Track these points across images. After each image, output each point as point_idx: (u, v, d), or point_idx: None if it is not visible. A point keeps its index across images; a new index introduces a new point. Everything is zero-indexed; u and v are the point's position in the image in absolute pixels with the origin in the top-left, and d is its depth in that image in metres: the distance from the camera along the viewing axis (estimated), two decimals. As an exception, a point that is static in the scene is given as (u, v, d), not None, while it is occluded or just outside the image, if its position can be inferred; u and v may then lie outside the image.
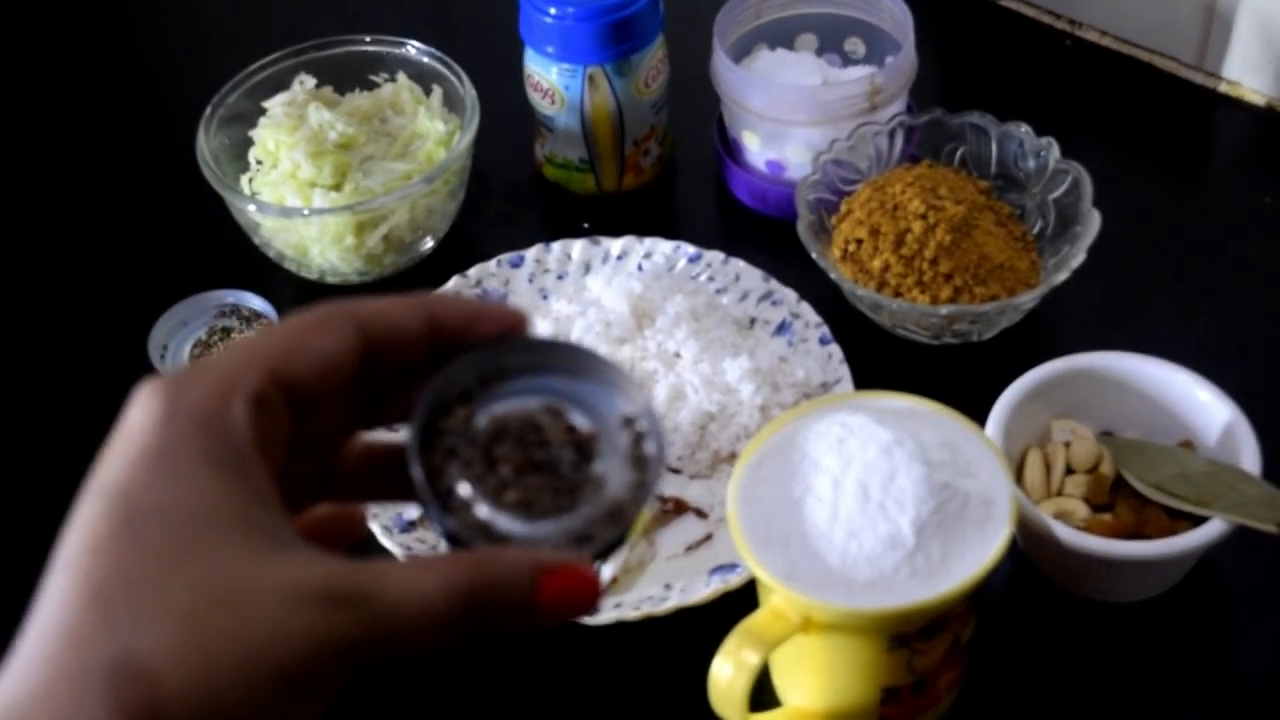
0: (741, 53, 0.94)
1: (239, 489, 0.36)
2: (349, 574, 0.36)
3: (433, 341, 0.41)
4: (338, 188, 0.88)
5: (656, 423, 0.41)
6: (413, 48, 0.95)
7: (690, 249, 0.86)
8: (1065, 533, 0.66)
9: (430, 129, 0.91)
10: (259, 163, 0.91)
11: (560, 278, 0.87)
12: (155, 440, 0.36)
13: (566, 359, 0.42)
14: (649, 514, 0.40)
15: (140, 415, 0.37)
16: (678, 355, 0.80)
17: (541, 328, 0.81)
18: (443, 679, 0.71)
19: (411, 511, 0.74)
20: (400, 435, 0.41)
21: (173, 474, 0.36)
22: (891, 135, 0.87)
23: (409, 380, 0.41)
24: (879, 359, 0.83)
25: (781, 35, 0.95)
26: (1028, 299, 0.79)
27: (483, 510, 0.39)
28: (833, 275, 0.81)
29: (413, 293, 0.41)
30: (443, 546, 0.39)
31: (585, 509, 0.39)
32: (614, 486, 0.40)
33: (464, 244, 0.93)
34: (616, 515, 0.39)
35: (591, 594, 0.38)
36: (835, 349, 0.80)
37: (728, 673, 0.59)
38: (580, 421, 0.41)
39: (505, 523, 0.39)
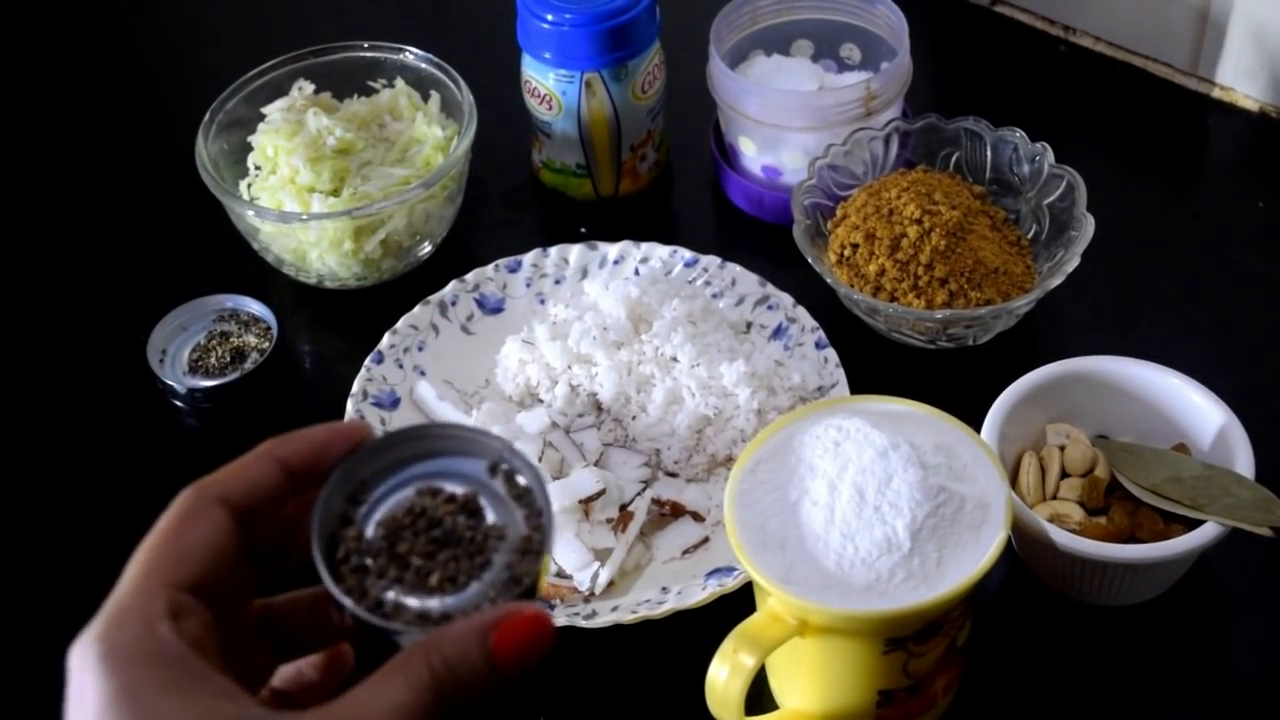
0: (738, 58, 0.94)
1: (202, 699, 0.38)
2: None
3: (293, 483, 0.43)
4: (336, 193, 0.88)
5: (518, 456, 0.44)
6: (411, 54, 0.95)
7: (687, 253, 0.86)
8: (1060, 536, 0.66)
9: (428, 134, 0.92)
10: (258, 168, 0.92)
11: (557, 282, 0.87)
12: (110, 691, 0.38)
13: (413, 446, 0.44)
14: (556, 537, 0.44)
15: (84, 676, 0.38)
16: (674, 359, 0.80)
17: (539, 331, 0.82)
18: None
19: None
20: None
21: (140, 714, 0.38)
22: (887, 140, 0.87)
23: (284, 524, 0.44)
24: (875, 363, 0.83)
25: (777, 41, 0.95)
26: (1022, 303, 0.79)
27: (414, 603, 0.41)
28: (829, 280, 0.81)
29: (256, 449, 0.43)
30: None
31: (501, 557, 0.42)
32: (515, 527, 0.43)
33: (462, 249, 0.93)
34: (529, 549, 0.42)
35: (544, 630, 0.40)
36: (831, 353, 0.80)
37: (724, 675, 0.59)
38: (455, 489, 0.44)
39: (439, 603, 0.41)
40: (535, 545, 0.42)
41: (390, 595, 0.41)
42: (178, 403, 0.85)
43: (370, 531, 0.43)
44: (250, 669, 0.43)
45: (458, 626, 0.40)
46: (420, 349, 0.84)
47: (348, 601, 0.41)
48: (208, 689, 0.38)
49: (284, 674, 0.46)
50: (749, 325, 0.84)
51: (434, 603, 0.41)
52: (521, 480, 0.44)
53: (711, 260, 0.86)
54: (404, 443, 0.45)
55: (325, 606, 0.44)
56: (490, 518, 0.43)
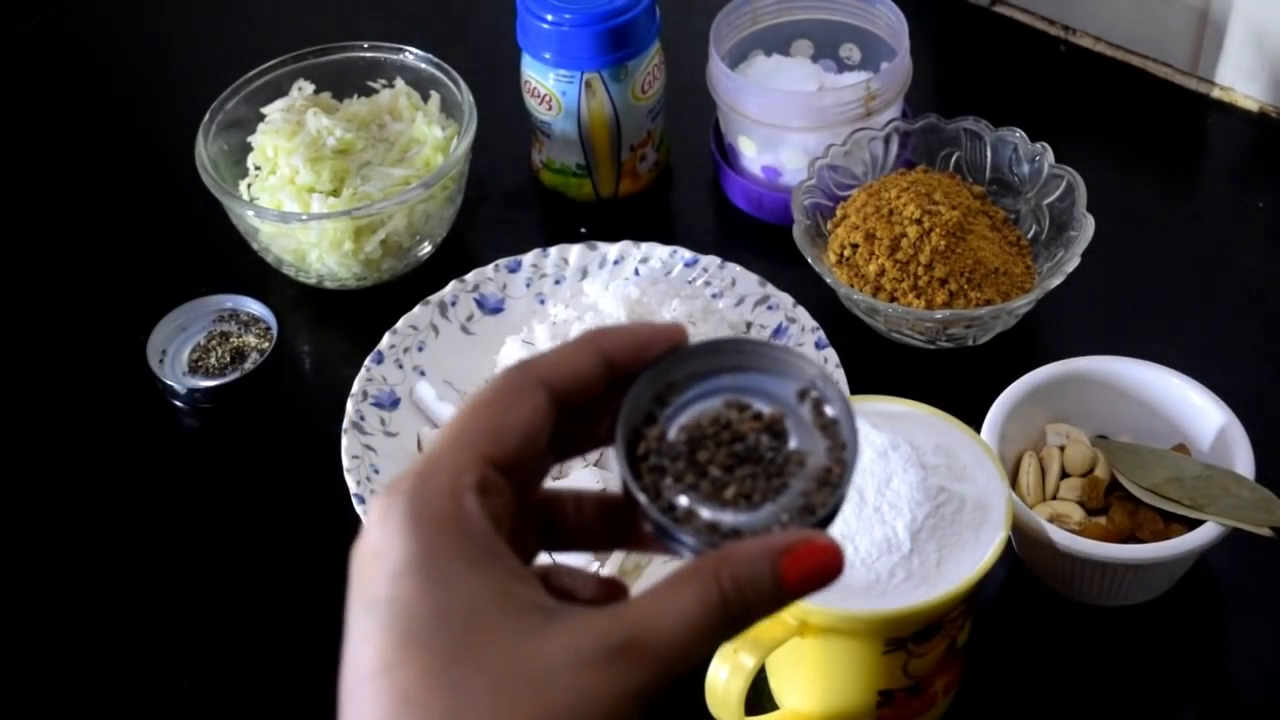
0: (738, 59, 0.94)
1: (497, 577, 0.38)
2: (619, 624, 0.38)
3: (610, 376, 0.42)
4: (336, 193, 0.88)
5: (830, 385, 0.42)
6: (410, 54, 0.95)
7: (687, 254, 0.86)
8: (1060, 536, 0.66)
9: (428, 135, 0.92)
10: (257, 168, 0.92)
11: (557, 282, 0.87)
12: (410, 552, 0.38)
13: (727, 357, 0.43)
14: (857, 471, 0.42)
15: (387, 530, 0.38)
16: (674, 360, 0.80)
17: (538, 332, 0.82)
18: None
19: None
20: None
21: (437, 581, 0.37)
22: (887, 140, 0.87)
23: (583, 412, 0.43)
24: (874, 363, 0.83)
25: (777, 41, 0.95)
26: (1022, 303, 0.79)
27: (706, 513, 0.40)
28: (828, 280, 0.81)
29: (579, 337, 0.43)
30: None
31: (798, 484, 0.41)
32: (815, 456, 0.41)
33: (462, 249, 0.93)
34: (827, 481, 0.41)
35: (834, 561, 0.39)
36: (831, 353, 0.80)
37: (724, 676, 0.59)
38: (762, 407, 0.42)
39: (731, 518, 0.40)
40: (834, 478, 0.41)
41: (683, 500, 0.41)
42: (178, 403, 0.85)
43: (673, 434, 0.42)
44: (520, 553, 0.42)
45: (750, 545, 0.39)
46: (420, 349, 0.84)
47: (642, 497, 0.40)
48: (504, 568, 0.38)
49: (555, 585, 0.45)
50: (749, 325, 0.84)
51: (726, 516, 0.40)
52: (829, 410, 0.42)
53: (711, 260, 0.86)
54: (718, 353, 0.43)
55: (603, 511, 0.44)
56: (793, 443, 0.42)
